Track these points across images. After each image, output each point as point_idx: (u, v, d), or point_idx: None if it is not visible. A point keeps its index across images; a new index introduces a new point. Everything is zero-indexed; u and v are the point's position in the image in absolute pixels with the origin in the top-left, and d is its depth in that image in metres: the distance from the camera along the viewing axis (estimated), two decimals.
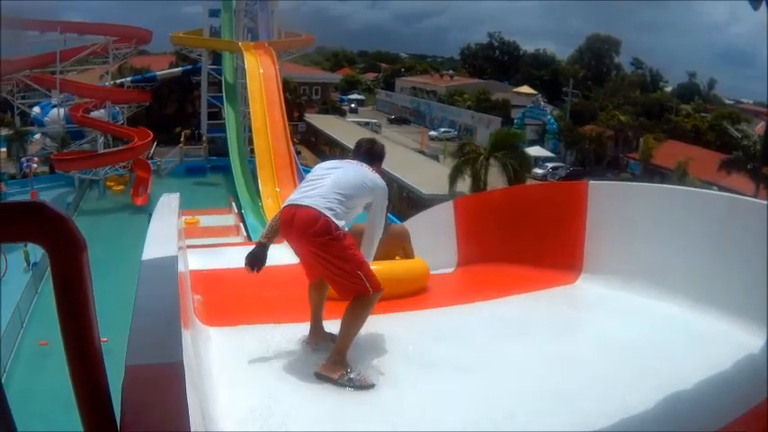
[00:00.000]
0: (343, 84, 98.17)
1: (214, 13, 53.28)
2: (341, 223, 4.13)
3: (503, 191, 12.68)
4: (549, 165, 55.78)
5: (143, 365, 2.33)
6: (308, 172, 4.67)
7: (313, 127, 63.88)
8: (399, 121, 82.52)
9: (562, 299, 6.09)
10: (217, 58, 52.80)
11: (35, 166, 42.46)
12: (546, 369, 4.44)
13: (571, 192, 7.01)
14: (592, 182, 6.73)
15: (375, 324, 4.67)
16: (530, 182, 41.29)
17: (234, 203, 30.80)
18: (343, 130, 58.53)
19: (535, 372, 4.41)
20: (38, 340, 18.43)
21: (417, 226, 8.81)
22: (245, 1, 52.17)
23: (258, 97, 37.98)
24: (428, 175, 41.28)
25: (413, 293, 6.42)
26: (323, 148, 58.56)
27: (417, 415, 3.78)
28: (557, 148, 63.24)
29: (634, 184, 7.14)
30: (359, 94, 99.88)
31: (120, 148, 43.53)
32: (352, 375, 4.05)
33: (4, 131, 48.10)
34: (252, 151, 38.60)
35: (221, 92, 49.99)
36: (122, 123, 48.46)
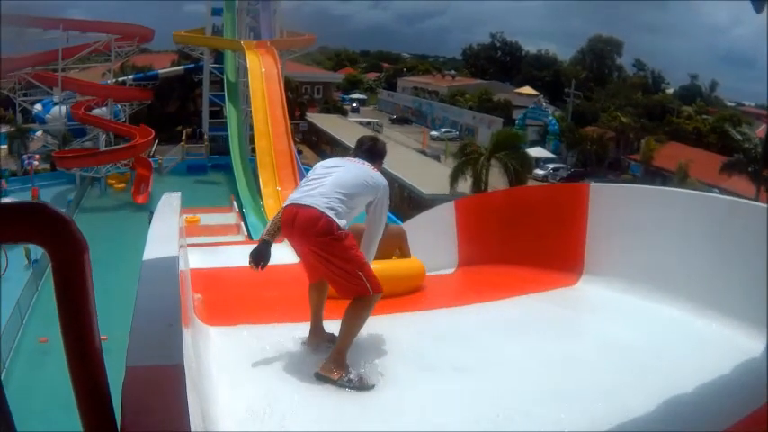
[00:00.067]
0: (345, 83, 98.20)
1: (217, 12, 53.36)
2: (342, 223, 4.12)
3: (504, 192, 12.70)
4: (551, 166, 55.78)
5: (144, 366, 2.33)
6: (310, 171, 4.65)
7: (315, 126, 63.86)
8: (401, 120, 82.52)
9: (563, 300, 6.08)
10: (219, 56, 52.86)
11: (36, 163, 42.57)
12: (546, 370, 4.43)
13: (572, 193, 7.01)
14: (593, 184, 6.73)
15: (375, 324, 4.65)
16: (531, 183, 41.32)
17: (235, 202, 30.81)
18: (345, 129, 58.51)
19: (535, 373, 4.41)
20: (38, 337, 18.44)
21: (418, 226, 8.84)
22: (248, 0, 52.20)
23: (260, 96, 38.03)
24: (429, 175, 41.30)
25: (409, 292, 6.43)
26: (324, 147, 58.52)
27: (417, 415, 3.77)
28: (558, 149, 63.23)
29: (635, 186, 7.14)
30: (361, 93, 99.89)
31: (122, 146, 43.58)
32: (351, 376, 4.04)
33: (6, 128, 48.09)
34: (253, 150, 38.61)
35: (223, 90, 50.12)
36: (124, 121, 48.51)
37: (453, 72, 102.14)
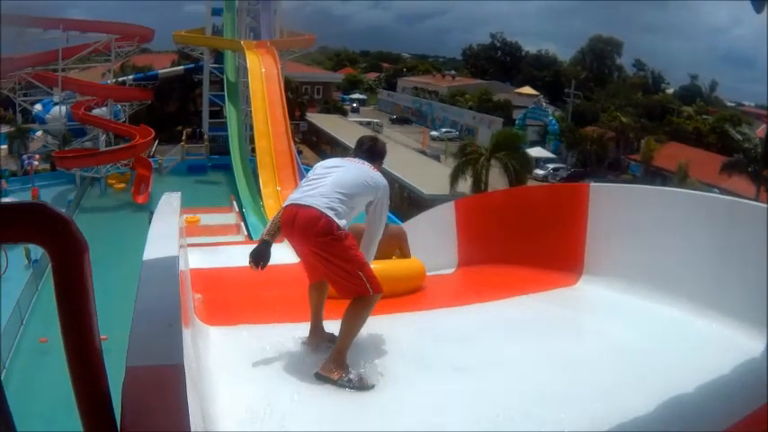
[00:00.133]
0: (345, 83, 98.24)
1: (217, 12, 53.40)
2: (342, 223, 4.12)
3: (504, 192, 12.70)
4: (550, 166, 55.79)
5: (144, 367, 2.33)
6: (310, 171, 4.64)
7: (315, 126, 63.88)
8: (401, 120, 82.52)
9: (563, 301, 6.08)
10: (219, 56, 52.89)
11: (36, 163, 42.60)
12: (546, 370, 4.44)
13: (572, 193, 7.00)
14: (593, 184, 6.73)
15: (375, 324, 4.65)
16: (530, 183, 41.32)
17: (235, 202, 30.80)
18: (345, 129, 58.52)
19: (535, 373, 4.41)
20: (38, 338, 18.43)
21: (418, 226, 8.84)
22: (248, 0, 52.22)
23: (260, 96, 38.04)
24: (429, 175, 41.31)
25: (409, 292, 6.43)
26: (324, 147, 58.52)
27: (417, 415, 3.78)
28: (558, 149, 63.23)
29: (635, 186, 7.15)
30: (361, 93, 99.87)
31: (122, 146, 43.56)
32: (351, 376, 4.03)
33: (6, 128, 48.12)
34: (253, 150, 38.62)
35: (223, 90, 50.13)
36: (124, 121, 48.51)
37: (453, 72, 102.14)
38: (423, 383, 4.18)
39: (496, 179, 38.73)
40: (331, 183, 4.25)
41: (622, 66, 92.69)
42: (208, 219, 23.64)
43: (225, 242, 14.04)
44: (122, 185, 42.70)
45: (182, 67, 59.59)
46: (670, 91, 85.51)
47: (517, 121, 67.02)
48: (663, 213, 5.90)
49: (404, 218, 12.94)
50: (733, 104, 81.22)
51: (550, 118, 66.20)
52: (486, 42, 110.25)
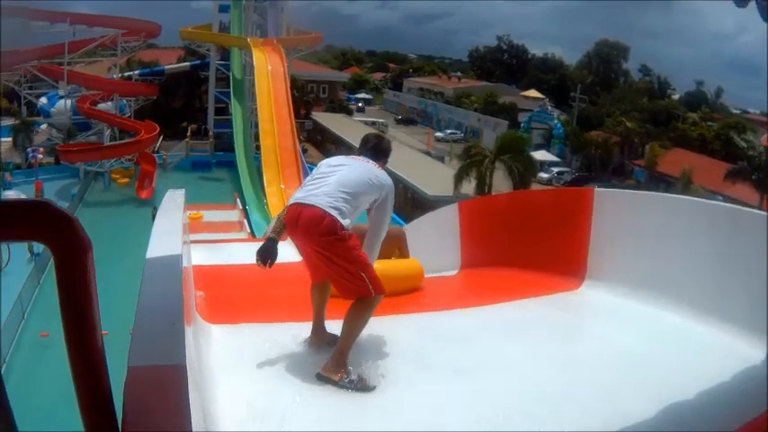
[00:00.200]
0: (350, 83, 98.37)
1: (224, 9, 53.47)
2: (346, 222, 4.10)
3: (508, 195, 12.71)
4: (555, 169, 55.80)
5: (145, 367, 2.33)
6: (314, 169, 4.63)
7: (320, 125, 63.89)
8: (406, 121, 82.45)
9: (565, 305, 6.08)
10: (225, 53, 52.91)
11: (41, 156, 42.68)
12: (546, 373, 4.44)
13: (577, 198, 7.00)
14: (597, 188, 6.73)
15: (377, 325, 4.65)
16: (535, 186, 41.31)
17: (239, 199, 30.78)
18: (350, 128, 58.45)
19: (535, 375, 4.41)
20: (39, 332, 18.43)
21: (422, 227, 8.85)
22: None
23: (266, 94, 38.07)
24: (433, 176, 41.30)
25: (407, 292, 6.44)
26: (329, 146, 58.47)
27: (418, 416, 3.78)
28: (562, 153, 63.17)
29: (639, 192, 7.12)
30: (366, 93, 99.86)
31: (127, 140, 43.57)
32: (353, 377, 4.04)
33: (11, 121, 48.19)
34: (258, 148, 38.61)
35: (229, 87, 50.07)
36: (129, 116, 48.54)
37: (459, 74, 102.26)
38: (423, 384, 4.19)
39: (500, 182, 38.68)
40: (335, 182, 4.24)
41: (628, 70, 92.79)
42: (211, 215, 23.56)
43: (228, 239, 14.02)
44: (126, 180, 42.74)
45: (188, 64, 59.61)
46: (676, 97, 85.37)
47: (522, 124, 66.91)
48: (666, 220, 5.90)
49: (407, 219, 12.93)
50: (738, 112, 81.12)
51: (555, 121, 66.11)
52: (492, 45, 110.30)
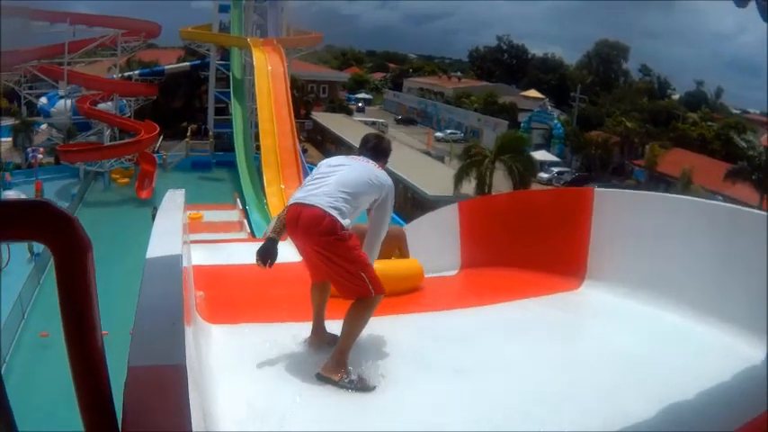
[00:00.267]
0: (350, 83, 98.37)
1: (224, 9, 53.48)
2: (346, 222, 4.10)
3: (508, 195, 12.71)
4: (555, 169, 55.81)
5: (145, 367, 2.33)
6: (314, 169, 4.62)
7: (320, 125, 63.88)
8: (406, 121, 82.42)
9: (565, 305, 6.08)
10: (225, 53, 52.91)
11: (41, 156, 42.69)
12: (546, 373, 4.45)
13: (577, 198, 7.00)
14: (597, 188, 6.73)
15: (377, 325, 4.65)
16: (534, 186, 41.30)
17: (239, 199, 30.77)
18: (350, 128, 58.45)
19: (535, 376, 4.42)
20: (39, 332, 18.42)
21: (422, 227, 8.85)
22: None
23: (266, 94, 38.08)
24: (433, 176, 41.30)
25: (406, 292, 6.44)
26: (329, 146, 58.47)
27: (417, 416, 3.78)
28: (562, 153, 63.17)
29: (639, 192, 7.12)
30: (366, 93, 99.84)
31: (127, 140, 43.58)
32: (353, 377, 4.04)
33: (11, 121, 48.19)
34: (258, 148, 38.61)
35: (229, 87, 50.08)
36: (129, 116, 48.54)
37: (459, 74, 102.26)
38: (423, 384, 4.19)
39: (500, 181, 38.68)
40: (335, 182, 4.23)
41: (628, 70, 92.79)
42: (211, 215, 23.55)
43: (228, 239, 14.02)
44: (126, 180, 42.74)
45: (188, 64, 59.61)
46: (676, 97, 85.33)
47: (522, 124, 66.89)
48: (666, 220, 5.90)
49: (407, 219, 12.93)
50: (738, 112, 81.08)
51: (555, 121, 66.11)
52: (492, 45, 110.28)
